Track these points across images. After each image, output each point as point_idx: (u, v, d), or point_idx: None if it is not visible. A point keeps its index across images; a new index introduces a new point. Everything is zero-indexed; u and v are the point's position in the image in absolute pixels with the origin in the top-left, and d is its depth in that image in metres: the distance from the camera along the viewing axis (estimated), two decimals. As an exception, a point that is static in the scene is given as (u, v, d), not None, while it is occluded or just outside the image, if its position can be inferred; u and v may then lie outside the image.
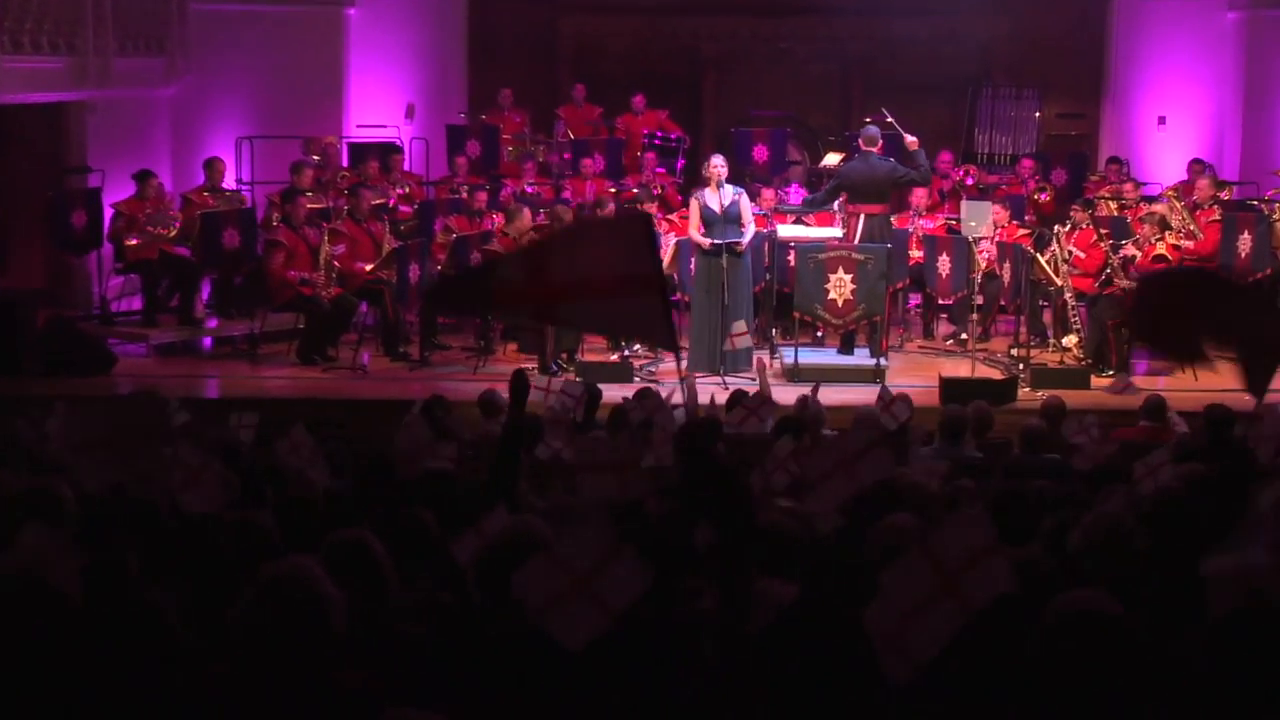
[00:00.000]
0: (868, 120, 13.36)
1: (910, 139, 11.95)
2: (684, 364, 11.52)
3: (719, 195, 11.38)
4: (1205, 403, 8.05)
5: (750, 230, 11.46)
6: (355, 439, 8.00)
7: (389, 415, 8.91)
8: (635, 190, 13.74)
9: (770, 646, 3.26)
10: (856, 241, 11.62)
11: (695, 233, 11.47)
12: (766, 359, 11.26)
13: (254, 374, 11.60)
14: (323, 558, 3.76)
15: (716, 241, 11.28)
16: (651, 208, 13.04)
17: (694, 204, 11.54)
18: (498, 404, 8.59)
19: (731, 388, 9.93)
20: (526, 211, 11.95)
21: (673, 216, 13.51)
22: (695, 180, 15.34)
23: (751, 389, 9.07)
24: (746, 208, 11.51)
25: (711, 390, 9.73)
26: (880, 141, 11.94)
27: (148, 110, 14.53)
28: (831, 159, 13.10)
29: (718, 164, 11.51)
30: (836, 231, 12.26)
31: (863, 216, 11.74)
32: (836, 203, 12.40)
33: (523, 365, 10.82)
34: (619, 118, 16.33)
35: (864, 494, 4.61)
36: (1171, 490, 5.32)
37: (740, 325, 10.98)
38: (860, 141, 11.97)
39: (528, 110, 16.25)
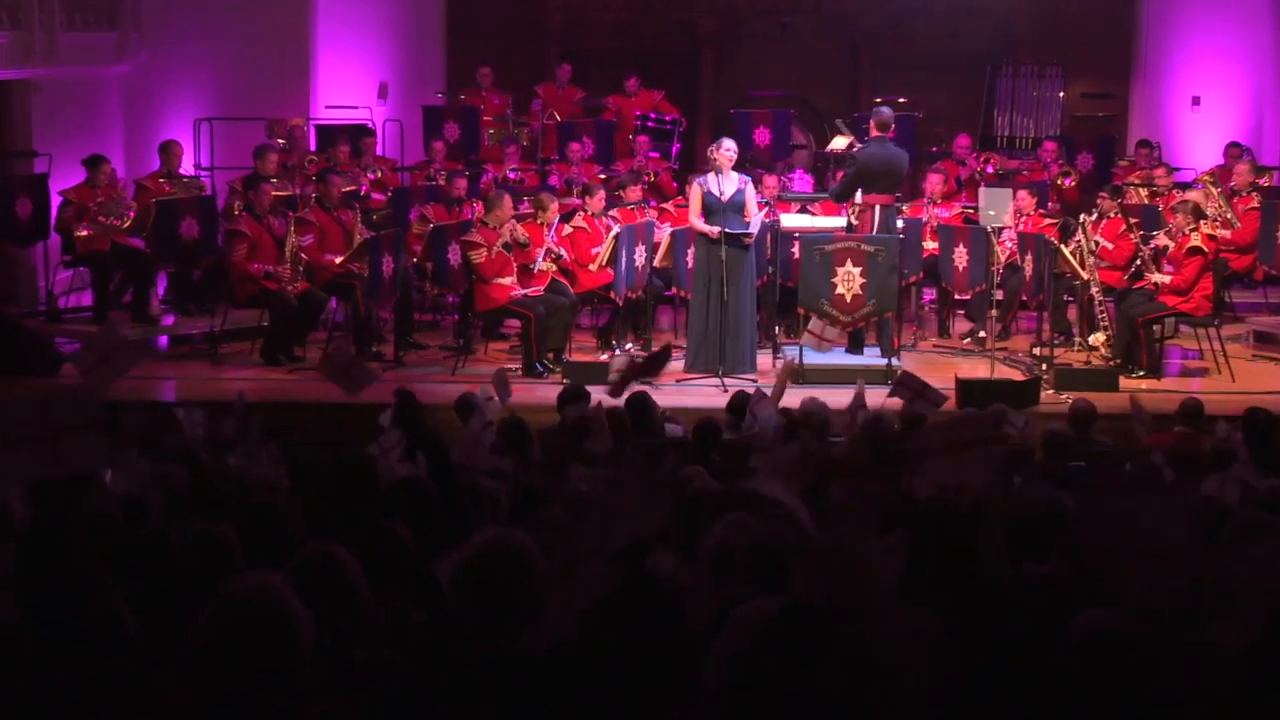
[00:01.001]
0: (878, 101, 13.39)
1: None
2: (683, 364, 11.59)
3: (722, 181, 11.35)
4: (1246, 405, 8.06)
5: (757, 222, 11.45)
6: (323, 445, 7.98)
7: (360, 420, 8.89)
8: (623, 176, 13.72)
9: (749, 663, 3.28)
10: (873, 234, 11.61)
11: (697, 220, 11.45)
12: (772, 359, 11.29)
13: (214, 375, 11.58)
14: (289, 574, 3.76)
15: (728, 230, 11.24)
16: (636, 193, 13.06)
17: (695, 189, 11.50)
18: (477, 407, 8.57)
19: (731, 390, 9.92)
20: (508, 199, 11.94)
21: (668, 205, 13.52)
22: (691, 166, 15.37)
23: (752, 390, 9.06)
24: (752, 198, 11.50)
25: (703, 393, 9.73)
26: (893, 126, 11.94)
27: (98, 90, 14.50)
28: (839, 143, 13.11)
29: (729, 148, 11.48)
30: (842, 221, 12.24)
31: (878, 209, 11.73)
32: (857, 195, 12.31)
33: (505, 367, 10.86)
34: (610, 97, 16.34)
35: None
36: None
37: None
38: (872, 124, 11.93)
39: (509, 90, 16.26)
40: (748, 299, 11.45)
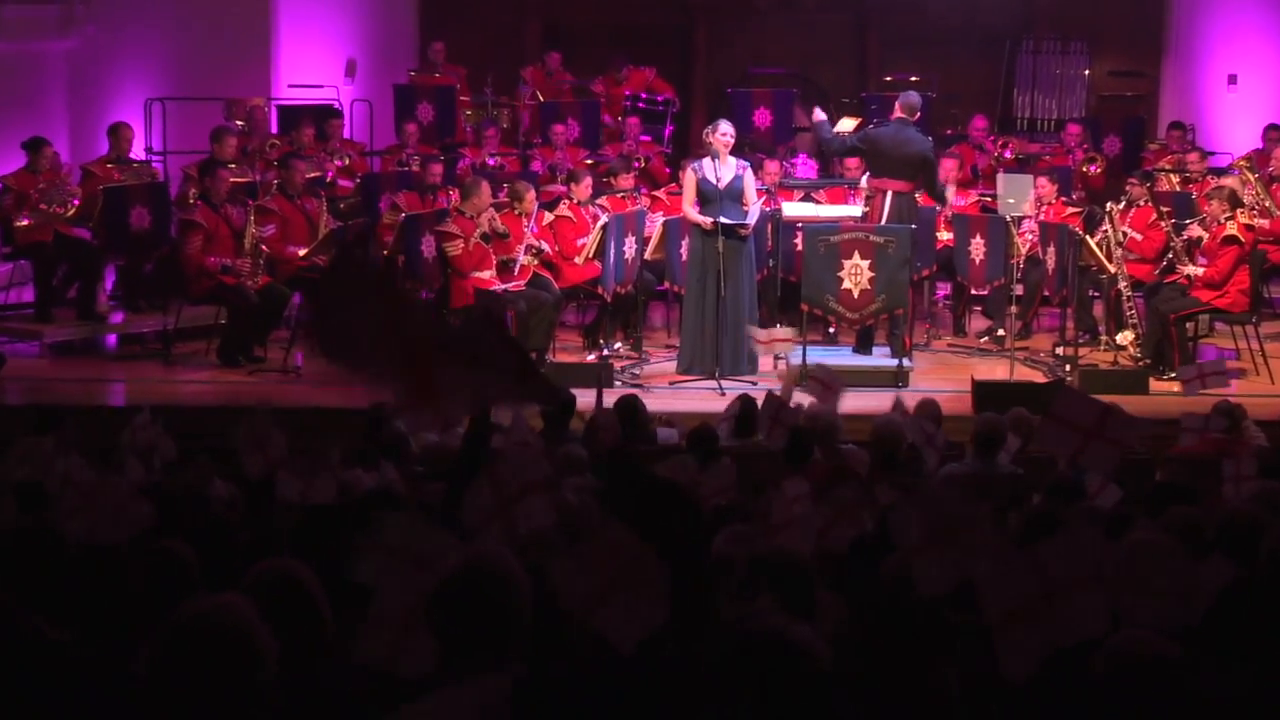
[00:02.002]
0: (887, 79, 13.40)
1: (818, 115, 12.16)
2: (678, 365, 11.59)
3: (718, 168, 11.36)
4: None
5: (755, 211, 11.46)
6: (289, 454, 7.98)
7: (327, 426, 8.89)
8: (613, 161, 13.74)
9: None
10: (883, 222, 11.62)
11: (690, 209, 11.47)
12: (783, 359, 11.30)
13: (167, 378, 11.57)
14: (248, 594, 3.76)
15: (724, 221, 11.25)
16: (629, 181, 13.06)
17: (689, 176, 11.51)
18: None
19: (730, 394, 9.92)
20: (485, 186, 11.93)
21: (660, 193, 13.53)
22: (685, 150, 15.37)
23: (756, 395, 9.06)
24: (751, 185, 11.51)
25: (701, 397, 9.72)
26: (920, 114, 11.97)
27: (40, 66, 14.48)
28: (845, 125, 13.12)
29: (726, 132, 11.48)
30: (853, 210, 12.27)
31: (889, 194, 11.75)
32: (863, 179, 12.34)
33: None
34: (597, 82, 16.33)
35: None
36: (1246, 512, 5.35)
37: (765, 332, 11.00)
38: (898, 106, 11.93)
39: (489, 69, 16.25)
40: (747, 295, 11.47)
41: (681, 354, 11.55)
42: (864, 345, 11.86)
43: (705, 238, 11.37)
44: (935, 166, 12.19)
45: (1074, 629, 3.63)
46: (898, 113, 11.90)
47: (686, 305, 11.65)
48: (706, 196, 11.37)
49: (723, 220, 11.25)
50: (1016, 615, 3.65)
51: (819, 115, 12.23)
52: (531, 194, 12.15)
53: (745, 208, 11.39)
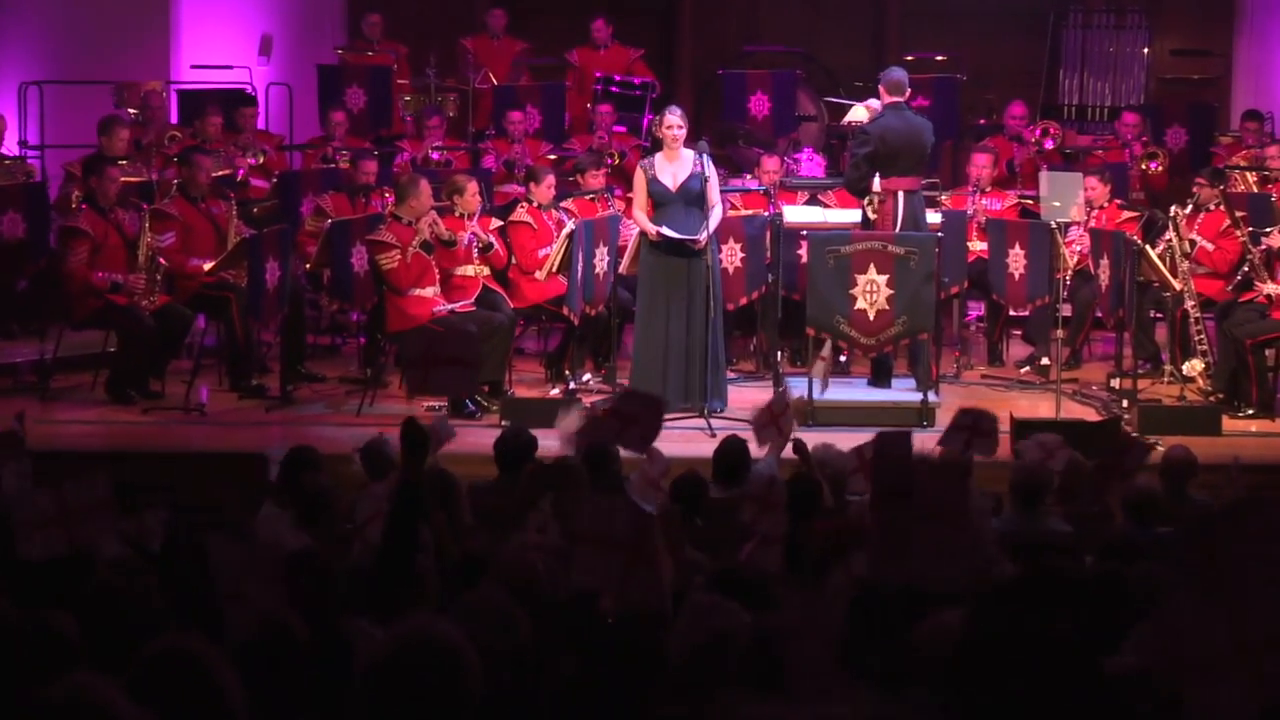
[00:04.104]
0: (908, 59, 13.42)
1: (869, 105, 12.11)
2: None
3: (673, 165, 11.37)
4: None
5: (715, 216, 11.37)
6: (193, 509, 7.97)
7: (237, 474, 8.88)
8: (580, 157, 13.76)
9: None
10: (896, 229, 11.63)
11: (639, 214, 11.44)
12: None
13: (45, 416, 11.51)
14: (135, 675, 3.76)
15: (667, 234, 11.24)
16: (599, 180, 13.07)
17: (639, 176, 11.48)
18: (389, 458, 8.56)
19: (721, 434, 9.92)
20: (425, 186, 11.91)
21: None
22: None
23: (745, 433, 9.06)
24: (713, 183, 11.43)
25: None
26: (909, 90, 11.93)
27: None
28: (858, 114, 13.16)
29: (674, 123, 11.44)
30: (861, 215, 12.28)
31: (901, 195, 11.75)
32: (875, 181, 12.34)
33: (431, 405, 10.84)
34: (573, 51, 16.36)
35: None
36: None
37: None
38: (882, 89, 11.89)
39: (429, 47, 16.29)
40: (701, 319, 11.34)
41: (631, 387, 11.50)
42: (881, 377, 11.86)
43: (656, 250, 11.38)
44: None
45: None
46: (886, 98, 11.81)
47: (636, 330, 11.64)
48: (658, 200, 11.37)
49: (665, 232, 11.24)
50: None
51: (874, 105, 12.09)
52: (474, 186, 12.07)
53: (706, 212, 11.33)
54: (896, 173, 11.71)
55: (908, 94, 11.87)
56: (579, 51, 16.36)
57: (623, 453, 8.32)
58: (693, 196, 11.31)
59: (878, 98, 11.97)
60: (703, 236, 11.27)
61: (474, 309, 11.67)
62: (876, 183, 12.03)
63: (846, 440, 9.16)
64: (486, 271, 11.91)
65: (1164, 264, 11.92)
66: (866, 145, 11.77)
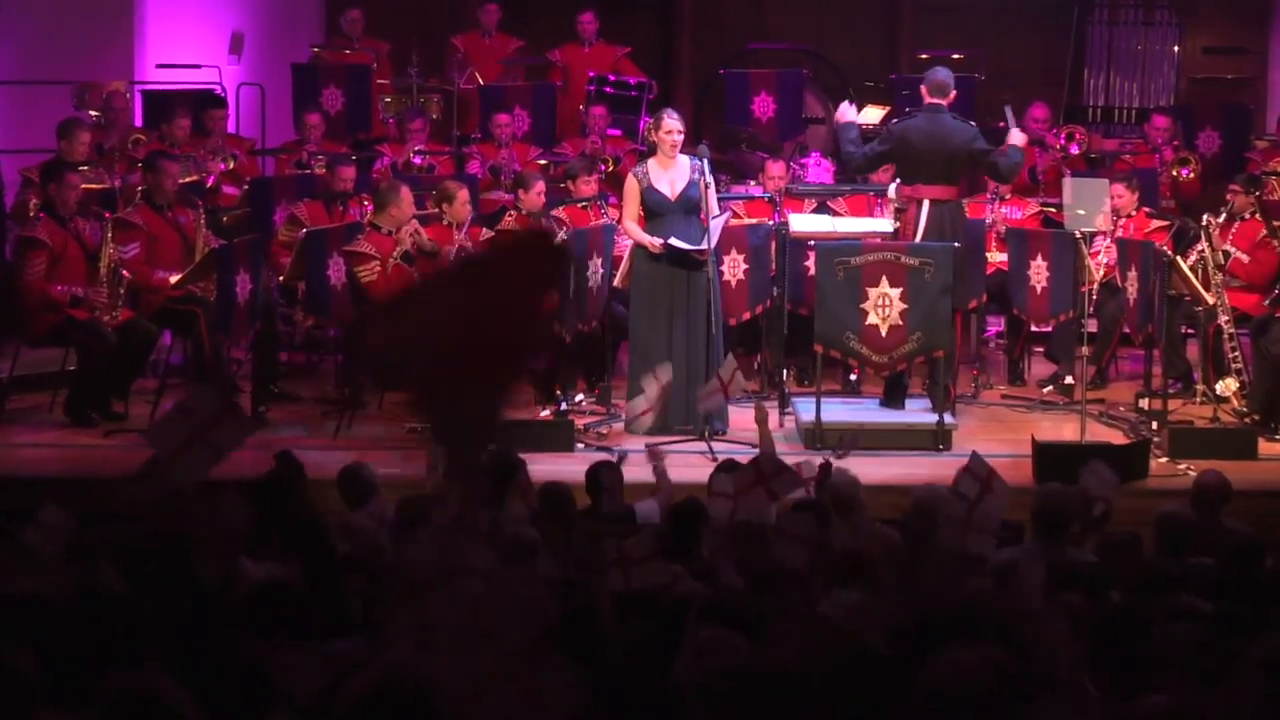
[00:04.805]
0: (923, 57, 13.41)
1: (1018, 134, 11.96)
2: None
3: (669, 173, 11.37)
4: None
5: (717, 227, 11.41)
6: (156, 538, 7.95)
7: (203, 500, 8.84)
8: (572, 162, 13.75)
9: None
10: (917, 239, 11.60)
11: (632, 225, 11.46)
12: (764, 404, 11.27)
13: (1, 439, 11.52)
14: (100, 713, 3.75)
15: (675, 244, 11.25)
16: (591, 186, 13.06)
17: (631, 185, 11.50)
18: (368, 484, 8.56)
19: (723, 457, 9.91)
20: (406, 193, 11.92)
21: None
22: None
23: (743, 457, 9.05)
24: (712, 191, 11.44)
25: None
26: (954, 92, 11.91)
27: None
28: (870, 115, 13.16)
29: (675, 126, 11.46)
30: (883, 224, 12.26)
31: (926, 204, 11.72)
32: (892, 187, 12.33)
33: (409, 427, 10.81)
34: (555, 50, 16.37)
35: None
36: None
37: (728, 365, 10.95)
38: (924, 89, 11.92)
39: (390, 43, 16.29)
40: (703, 336, 11.36)
41: (628, 406, 11.50)
42: (894, 397, 11.84)
43: (654, 262, 11.37)
44: (990, 152, 11.94)
45: None
46: (927, 98, 11.86)
47: (631, 348, 11.64)
48: (654, 210, 11.38)
49: (674, 243, 11.25)
50: None
51: (846, 113, 12.12)
52: (464, 194, 12.12)
53: (706, 221, 11.34)
54: (922, 180, 11.67)
55: (951, 96, 11.84)
56: (563, 50, 16.35)
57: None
58: (692, 205, 11.32)
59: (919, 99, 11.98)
60: (708, 246, 11.30)
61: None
62: (892, 189, 12.05)
63: (854, 465, 9.18)
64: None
65: (1196, 276, 11.91)
66: (884, 143, 11.86)
